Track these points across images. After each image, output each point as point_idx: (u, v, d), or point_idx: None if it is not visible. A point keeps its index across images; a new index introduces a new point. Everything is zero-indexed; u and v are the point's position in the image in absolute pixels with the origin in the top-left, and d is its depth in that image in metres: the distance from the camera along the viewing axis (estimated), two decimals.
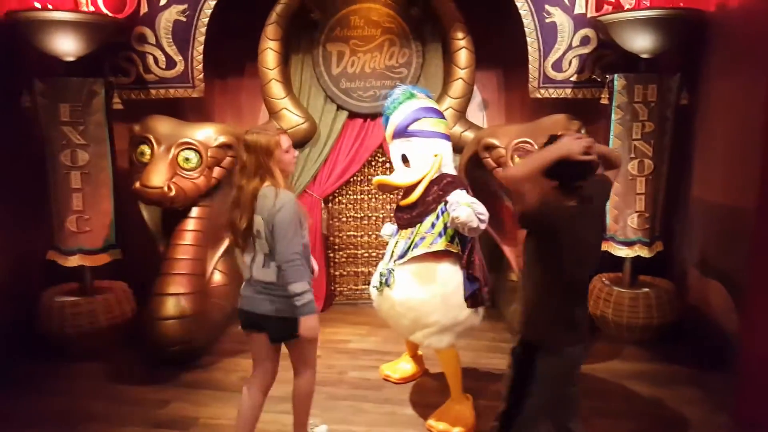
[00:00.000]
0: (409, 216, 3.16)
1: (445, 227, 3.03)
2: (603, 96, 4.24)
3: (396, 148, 3.21)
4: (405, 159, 3.18)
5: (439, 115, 3.22)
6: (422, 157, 3.11)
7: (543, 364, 2.31)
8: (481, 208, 2.90)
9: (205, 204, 4.25)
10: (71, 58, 3.96)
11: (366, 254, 5.22)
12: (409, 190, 3.16)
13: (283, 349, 2.83)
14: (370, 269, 5.19)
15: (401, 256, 3.12)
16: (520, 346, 2.40)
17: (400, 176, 3.18)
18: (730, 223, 3.69)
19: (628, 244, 4.19)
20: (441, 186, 3.08)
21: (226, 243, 4.50)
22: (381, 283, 3.19)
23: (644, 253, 4.16)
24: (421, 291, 3.05)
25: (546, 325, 2.33)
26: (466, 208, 2.83)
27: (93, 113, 4.06)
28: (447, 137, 3.21)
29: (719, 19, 3.81)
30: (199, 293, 4.10)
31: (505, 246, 4.41)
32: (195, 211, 4.23)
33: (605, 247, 4.16)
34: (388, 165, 5.01)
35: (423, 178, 3.08)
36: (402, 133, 3.12)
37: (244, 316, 2.76)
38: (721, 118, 3.83)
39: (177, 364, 3.90)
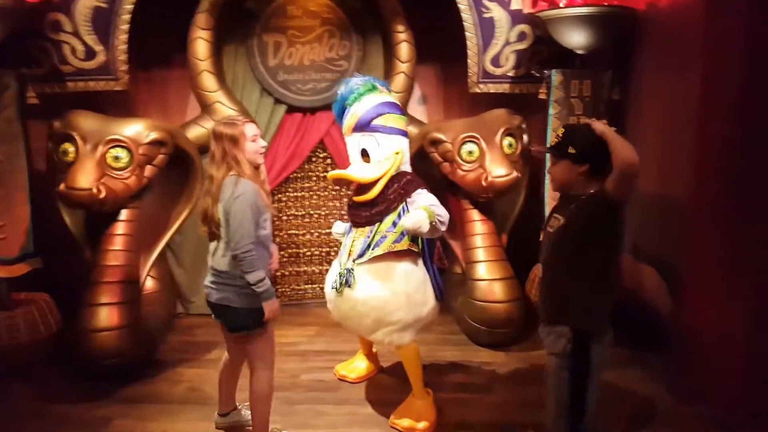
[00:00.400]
0: (368, 214, 3.10)
1: None
2: (541, 91, 4.36)
3: (355, 142, 3.13)
4: (365, 153, 3.11)
5: (400, 111, 3.17)
6: (384, 153, 3.05)
7: (597, 354, 2.31)
8: (441, 210, 2.90)
9: (135, 206, 3.99)
10: None
11: (309, 253, 5.08)
12: (366, 186, 3.09)
13: None
14: (314, 268, 5.07)
15: (360, 255, 3.06)
16: (570, 342, 2.31)
17: (360, 171, 3.10)
18: (661, 212, 3.91)
19: None
20: (402, 184, 3.04)
21: (159, 247, 4.25)
22: (341, 283, 3.10)
23: None
24: (384, 290, 3.00)
25: (600, 312, 2.34)
26: (415, 213, 2.81)
27: (3, 108, 3.67)
28: (406, 134, 3.17)
29: (650, 17, 4.01)
30: (134, 301, 3.85)
31: (451, 240, 4.44)
32: (124, 214, 3.96)
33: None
34: (329, 161, 4.90)
35: (384, 175, 3.02)
36: (364, 126, 3.03)
37: (209, 307, 2.83)
38: (652, 112, 4.05)
39: (115, 379, 3.62)
